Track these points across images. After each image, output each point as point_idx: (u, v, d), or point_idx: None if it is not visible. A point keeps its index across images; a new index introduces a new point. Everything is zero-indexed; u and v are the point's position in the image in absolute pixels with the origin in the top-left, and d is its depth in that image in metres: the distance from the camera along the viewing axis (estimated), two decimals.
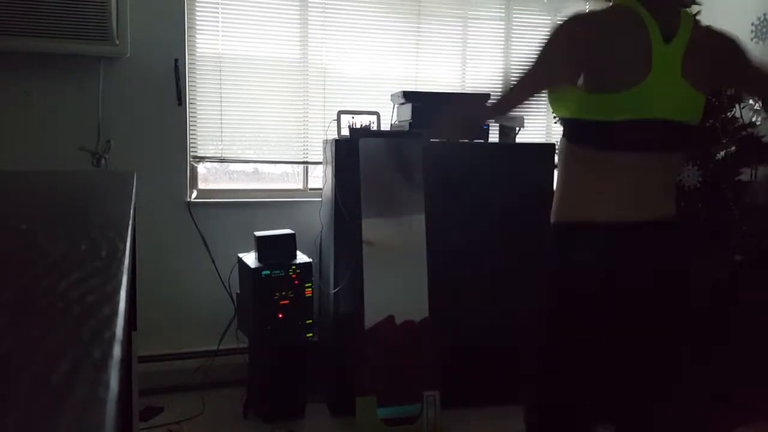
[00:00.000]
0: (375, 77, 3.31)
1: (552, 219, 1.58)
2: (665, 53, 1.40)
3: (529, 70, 1.50)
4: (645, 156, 1.46)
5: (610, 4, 1.56)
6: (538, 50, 1.48)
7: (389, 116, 3.12)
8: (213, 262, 3.08)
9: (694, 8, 2.34)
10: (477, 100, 1.66)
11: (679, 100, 1.43)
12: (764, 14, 2.63)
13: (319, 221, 3.04)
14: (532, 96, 1.54)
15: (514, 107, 1.59)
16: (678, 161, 1.56)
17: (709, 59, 1.45)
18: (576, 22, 1.48)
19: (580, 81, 1.45)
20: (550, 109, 1.59)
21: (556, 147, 3.00)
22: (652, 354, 1.55)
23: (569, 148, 1.54)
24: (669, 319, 1.54)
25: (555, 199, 1.58)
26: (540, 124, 3.65)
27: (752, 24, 3.22)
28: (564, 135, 1.56)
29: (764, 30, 3.18)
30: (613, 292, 1.48)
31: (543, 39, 1.48)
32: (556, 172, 1.60)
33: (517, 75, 1.58)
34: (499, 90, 1.68)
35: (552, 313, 1.57)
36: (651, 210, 1.49)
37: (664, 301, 1.52)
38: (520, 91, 1.54)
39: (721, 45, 1.50)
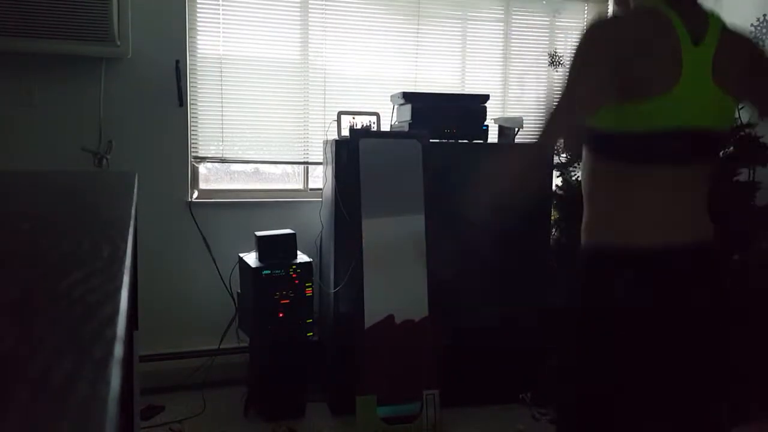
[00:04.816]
0: (375, 78, 3.31)
1: (583, 240, 1.44)
2: (695, 56, 1.30)
3: (563, 95, 1.33)
4: (681, 168, 1.35)
5: (631, 6, 1.44)
6: (568, 69, 1.33)
7: (389, 117, 3.13)
8: (214, 261, 3.09)
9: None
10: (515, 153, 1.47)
11: (711, 107, 1.34)
12: (764, 15, 2.63)
13: (319, 221, 3.05)
14: (574, 125, 1.36)
15: (554, 142, 1.43)
16: (710, 174, 1.41)
17: (740, 64, 1.36)
18: (603, 26, 1.35)
19: None
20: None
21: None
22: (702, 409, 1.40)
23: (597, 163, 1.41)
24: (718, 357, 1.40)
25: (586, 219, 1.44)
26: (539, 125, 3.64)
27: (752, 25, 3.21)
28: (590, 148, 1.42)
29: (764, 31, 3.17)
30: (659, 329, 1.35)
31: (572, 54, 1.33)
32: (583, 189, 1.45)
33: (550, 107, 1.39)
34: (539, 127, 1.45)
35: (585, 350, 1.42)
36: (692, 231, 1.37)
37: (711, 337, 1.39)
38: (558, 122, 1.35)
39: (753, 50, 1.40)
